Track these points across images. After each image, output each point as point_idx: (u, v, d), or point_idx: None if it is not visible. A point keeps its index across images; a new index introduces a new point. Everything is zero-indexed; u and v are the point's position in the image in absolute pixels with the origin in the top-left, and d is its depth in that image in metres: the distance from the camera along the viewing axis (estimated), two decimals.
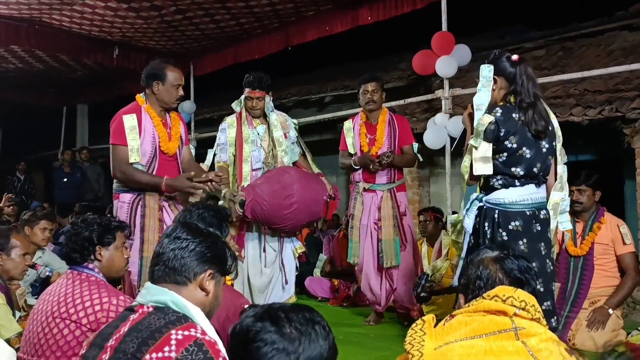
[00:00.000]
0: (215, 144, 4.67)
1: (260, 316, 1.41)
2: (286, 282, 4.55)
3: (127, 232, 3.48)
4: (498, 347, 1.69)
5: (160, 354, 1.63)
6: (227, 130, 4.60)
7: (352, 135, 5.11)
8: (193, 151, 4.27)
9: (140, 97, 3.87)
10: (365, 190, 4.98)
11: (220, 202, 4.37)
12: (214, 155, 4.66)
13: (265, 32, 7.89)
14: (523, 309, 1.78)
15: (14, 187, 10.81)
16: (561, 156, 3.35)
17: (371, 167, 4.80)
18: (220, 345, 1.69)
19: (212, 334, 1.75)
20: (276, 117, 4.60)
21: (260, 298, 4.47)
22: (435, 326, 1.88)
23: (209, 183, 3.67)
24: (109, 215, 5.68)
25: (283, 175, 4.32)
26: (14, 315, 3.37)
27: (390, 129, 5.02)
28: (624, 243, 4.11)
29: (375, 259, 4.96)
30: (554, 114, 5.78)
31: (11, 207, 7.17)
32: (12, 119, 13.32)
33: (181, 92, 3.88)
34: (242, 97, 4.60)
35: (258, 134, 4.57)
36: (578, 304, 4.17)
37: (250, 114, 4.59)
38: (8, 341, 2.84)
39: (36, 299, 3.36)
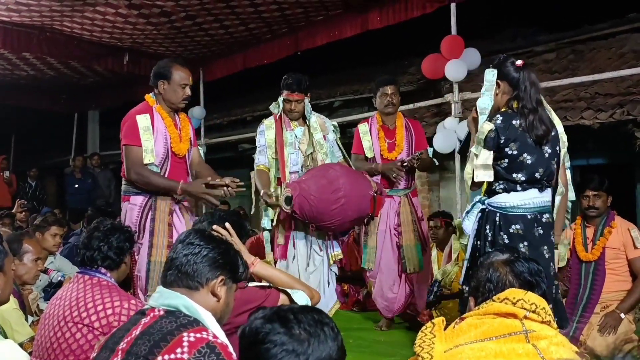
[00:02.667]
0: (257, 147, 4.53)
1: (269, 317, 1.42)
2: (328, 285, 4.42)
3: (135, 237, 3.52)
4: (508, 349, 1.69)
5: (172, 356, 1.64)
6: (265, 132, 4.47)
7: (368, 139, 4.95)
8: (202, 153, 4.17)
9: (150, 97, 3.77)
10: None
11: (263, 207, 4.30)
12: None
13: (275, 37, 7.92)
14: (533, 312, 1.78)
15: (25, 194, 10.89)
16: (564, 160, 3.40)
17: (394, 175, 4.68)
18: (232, 349, 1.70)
19: (223, 338, 1.76)
20: (316, 119, 4.49)
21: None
22: (445, 329, 1.88)
23: (225, 188, 3.56)
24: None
25: (328, 170, 4.18)
26: (26, 319, 3.39)
27: (407, 133, 4.95)
28: (635, 247, 4.07)
29: (396, 264, 4.87)
30: (565, 117, 5.85)
31: (23, 213, 7.24)
32: (24, 125, 13.43)
33: (188, 92, 3.75)
34: (280, 99, 4.47)
35: (296, 136, 4.46)
36: (589, 309, 4.13)
37: (288, 117, 4.47)
38: (21, 345, 2.86)
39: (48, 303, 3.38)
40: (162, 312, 1.79)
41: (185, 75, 3.72)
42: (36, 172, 11.54)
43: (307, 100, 4.45)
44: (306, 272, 4.33)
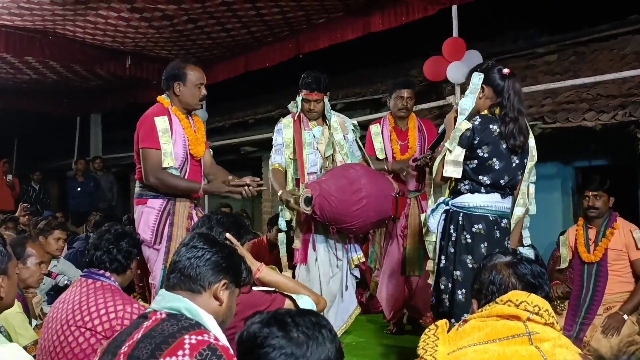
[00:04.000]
0: (273, 146, 4.38)
1: (267, 322, 1.42)
2: (347, 289, 4.28)
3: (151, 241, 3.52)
4: (512, 351, 1.69)
5: (174, 358, 1.64)
6: (283, 131, 4.31)
7: (380, 140, 4.88)
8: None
9: (163, 99, 3.68)
10: None
11: (280, 208, 4.20)
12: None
13: (276, 40, 7.93)
14: (536, 314, 1.78)
15: (29, 197, 10.91)
16: (529, 174, 3.47)
17: (404, 173, 4.59)
18: (233, 352, 1.70)
19: (224, 341, 1.76)
20: (336, 119, 4.34)
21: (330, 306, 4.13)
22: (448, 331, 1.88)
23: (245, 188, 3.50)
24: (126, 225, 5.73)
25: (348, 170, 4.03)
26: (30, 323, 3.40)
27: (420, 134, 4.88)
28: (637, 248, 4.07)
29: (399, 266, 4.79)
30: (567, 119, 5.84)
31: (26, 217, 7.25)
32: (27, 129, 13.46)
33: (204, 92, 3.69)
34: (298, 98, 4.29)
35: (314, 136, 4.31)
36: (592, 310, 4.13)
37: (306, 116, 4.32)
38: (25, 348, 2.86)
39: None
40: (164, 315, 1.80)
41: (200, 75, 3.67)
42: (39, 176, 11.57)
43: (326, 100, 4.29)
44: (327, 276, 4.20)
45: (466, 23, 6.55)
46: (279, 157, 4.30)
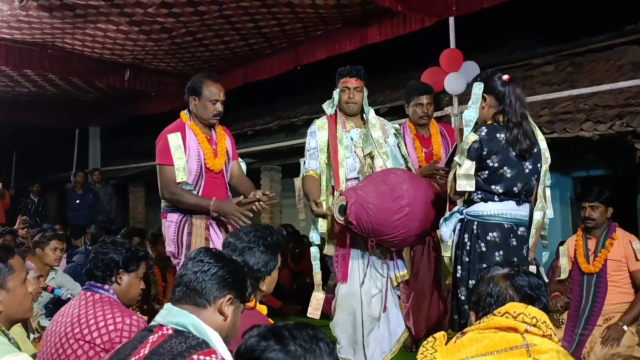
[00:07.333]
0: (305, 151, 4.03)
1: (264, 335, 1.42)
2: (388, 310, 3.90)
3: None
4: None
5: None
6: (317, 134, 3.98)
7: (403, 148, 4.43)
8: (244, 166, 4.03)
9: (184, 114, 3.77)
10: None
11: (313, 219, 3.89)
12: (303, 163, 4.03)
13: (275, 52, 7.95)
14: (534, 326, 1.78)
15: (27, 210, 10.89)
16: (544, 177, 3.42)
17: (437, 177, 4.17)
18: None
19: None
20: (374, 115, 4.01)
21: (370, 329, 3.86)
22: (446, 344, 1.88)
23: (256, 203, 3.50)
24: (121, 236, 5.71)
25: (389, 175, 3.63)
26: (27, 337, 3.39)
27: (444, 140, 4.68)
28: (637, 259, 4.07)
29: (432, 280, 4.45)
30: (565, 129, 5.86)
31: (25, 230, 7.23)
32: (26, 142, 13.47)
33: (219, 108, 3.70)
34: (335, 95, 4.01)
35: (352, 139, 3.96)
36: (592, 321, 4.12)
37: (345, 113, 4.00)
38: None
39: (49, 320, 3.38)
40: (170, 331, 1.78)
41: (216, 91, 3.70)
42: (38, 188, 11.55)
43: (365, 92, 4.01)
44: (368, 296, 3.83)
45: (463, 34, 6.59)
46: (313, 163, 3.94)
